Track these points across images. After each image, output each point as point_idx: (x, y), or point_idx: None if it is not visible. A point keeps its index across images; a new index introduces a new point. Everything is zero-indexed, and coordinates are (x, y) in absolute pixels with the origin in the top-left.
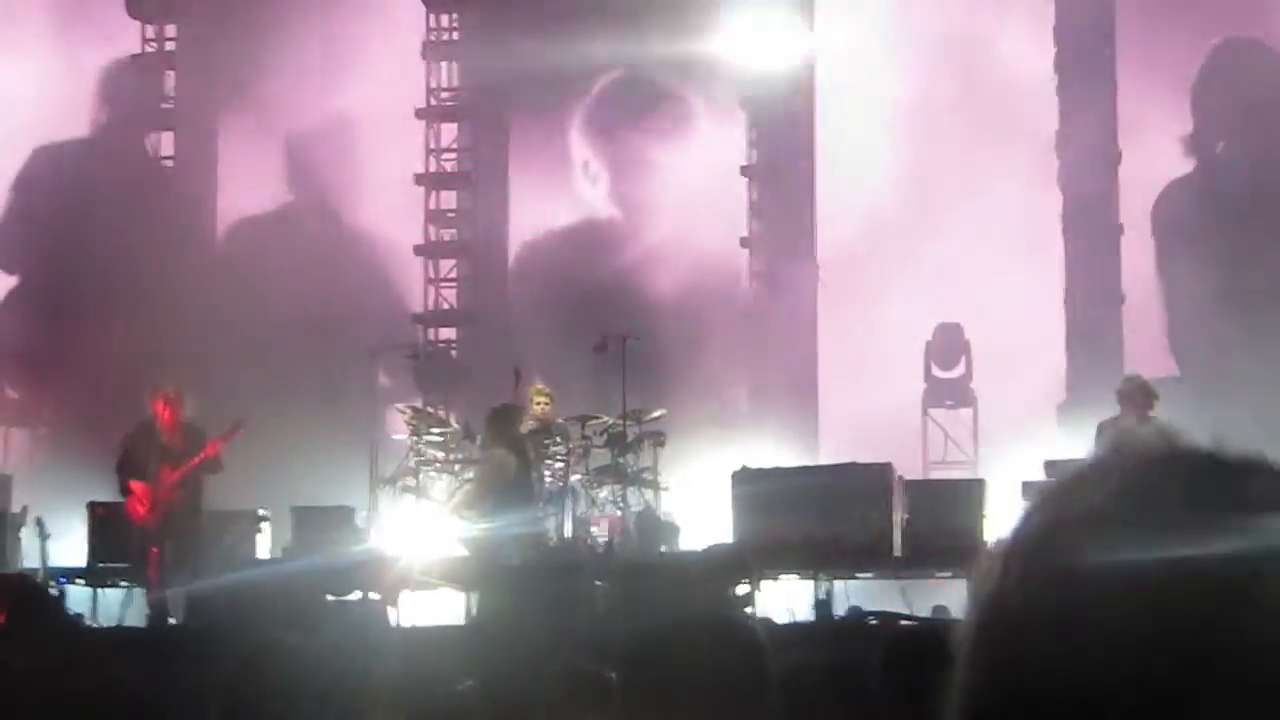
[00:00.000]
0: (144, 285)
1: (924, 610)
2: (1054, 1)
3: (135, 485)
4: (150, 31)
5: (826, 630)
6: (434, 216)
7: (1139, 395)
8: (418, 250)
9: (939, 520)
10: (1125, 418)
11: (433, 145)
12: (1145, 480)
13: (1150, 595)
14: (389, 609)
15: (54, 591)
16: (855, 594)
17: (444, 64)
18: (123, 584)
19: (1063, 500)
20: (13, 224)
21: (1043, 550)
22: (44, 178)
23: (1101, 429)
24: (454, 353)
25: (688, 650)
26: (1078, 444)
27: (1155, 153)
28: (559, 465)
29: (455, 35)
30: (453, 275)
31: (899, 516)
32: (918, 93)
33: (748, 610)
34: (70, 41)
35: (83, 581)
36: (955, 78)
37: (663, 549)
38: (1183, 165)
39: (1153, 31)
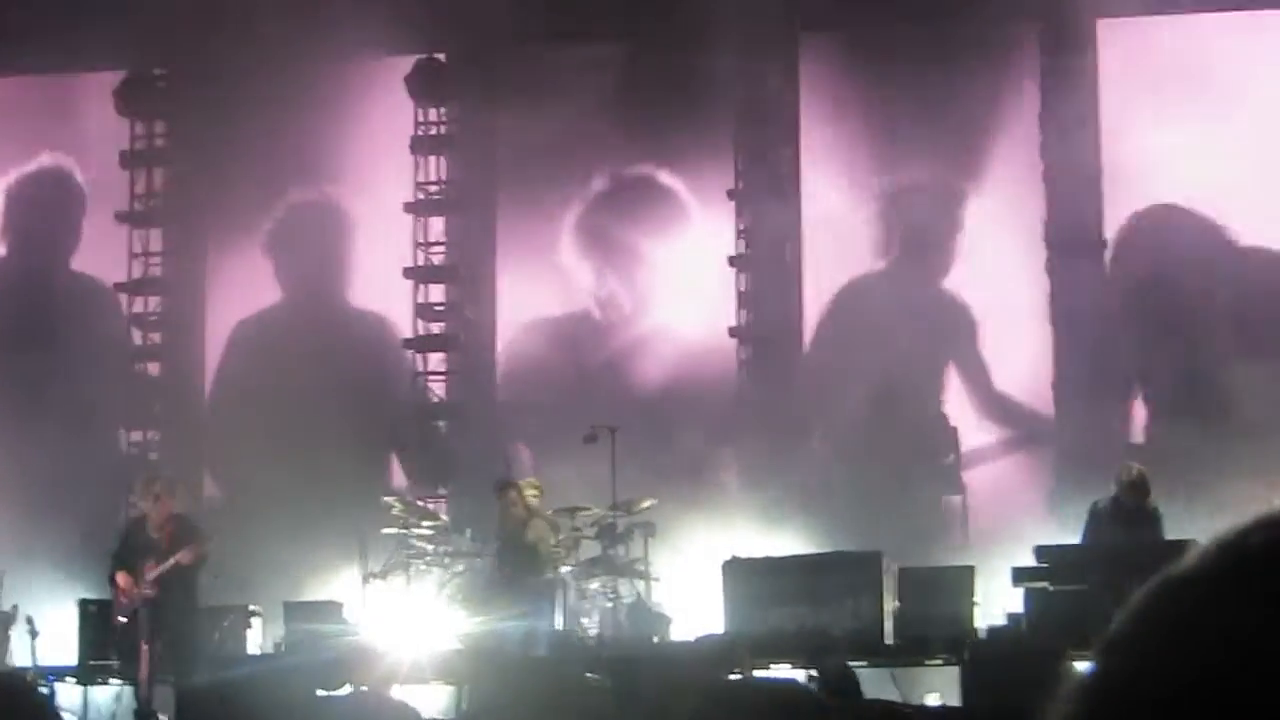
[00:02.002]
0: (137, 380)
1: (915, 698)
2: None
3: (120, 577)
4: (140, 128)
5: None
6: (422, 310)
7: (1138, 481)
8: (406, 344)
9: (930, 607)
10: (1120, 502)
11: (420, 239)
12: (1242, 548)
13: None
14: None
15: (44, 690)
16: None
17: (432, 158)
18: (113, 682)
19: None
20: None
21: (1152, 616)
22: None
23: (1095, 510)
24: (443, 445)
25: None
26: (1068, 529)
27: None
28: None
29: (443, 130)
30: (441, 368)
31: (890, 604)
32: (905, 170)
33: None
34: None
35: (74, 680)
36: (943, 153)
37: (654, 640)
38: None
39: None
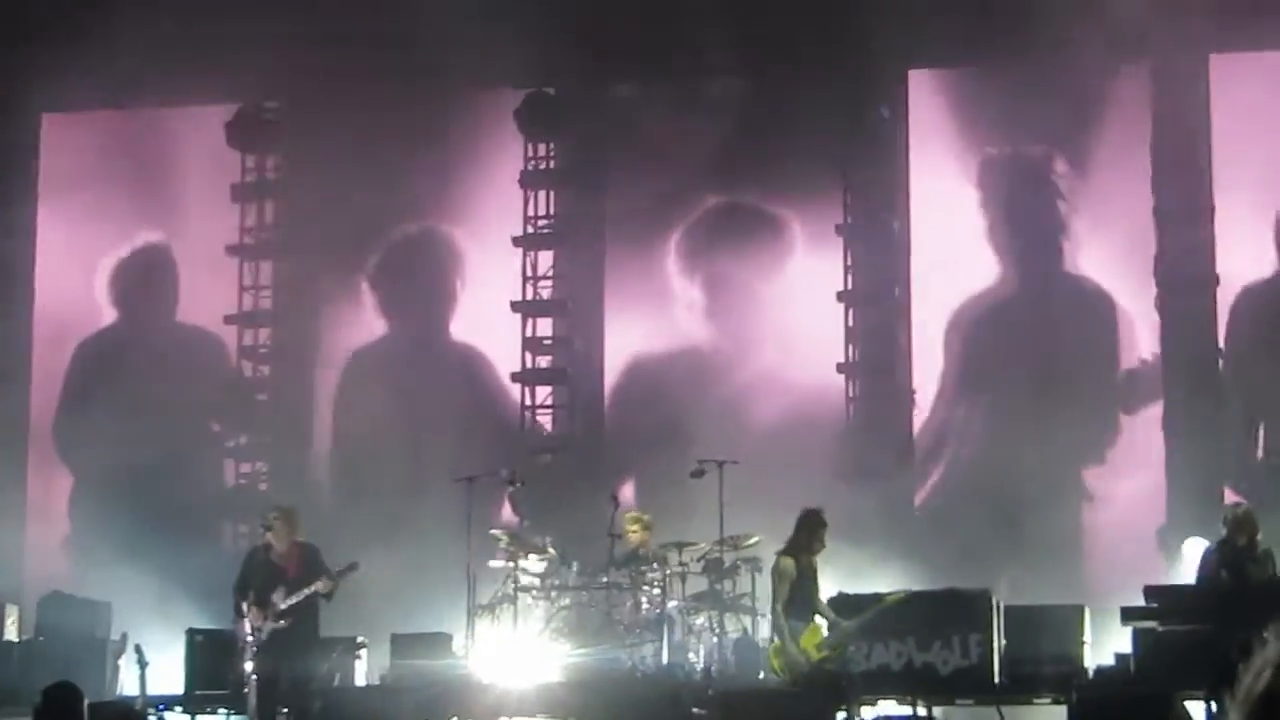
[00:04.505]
0: (246, 411)
1: None
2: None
3: (251, 609)
4: (250, 162)
5: None
6: (530, 344)
7: (1245, 522)
8: (514, 377)
9: (1039, 646)
10: (1231, 544)
11: (529, 273)
12: None
13: None
14: None
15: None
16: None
17: (541, 192)
18: (221, 711)
19: None
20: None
21: None
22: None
23: (1207, 554)
24: (551, 479)
25: None
26: (1178, 569)
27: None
28: (656, 592)
29: (552, 164)
30: (549, 402)
31: (998, 642)
32: (1010, 215)
33: None
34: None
35: (181, 709)
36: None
37: (760, 675)
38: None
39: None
